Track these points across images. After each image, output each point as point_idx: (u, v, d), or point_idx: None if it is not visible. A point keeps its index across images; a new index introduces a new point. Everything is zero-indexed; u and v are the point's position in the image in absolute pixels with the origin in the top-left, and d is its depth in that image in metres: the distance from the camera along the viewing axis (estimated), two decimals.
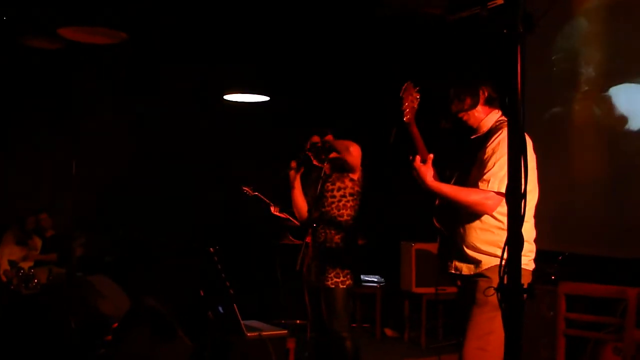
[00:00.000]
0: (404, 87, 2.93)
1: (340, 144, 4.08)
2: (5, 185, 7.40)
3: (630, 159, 5.06)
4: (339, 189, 4.14)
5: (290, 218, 5.33)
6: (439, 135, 3.17)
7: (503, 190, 2.74)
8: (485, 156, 2.87)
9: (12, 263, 6.87)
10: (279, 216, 5.45)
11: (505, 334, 1.87)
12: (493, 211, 2.83)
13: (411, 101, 2.90)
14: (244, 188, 5.38)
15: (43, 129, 7.49)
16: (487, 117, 3.01)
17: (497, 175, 2.77)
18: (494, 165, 2.81)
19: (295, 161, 4.23)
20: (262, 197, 5.35)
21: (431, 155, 2.84)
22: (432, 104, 3.03)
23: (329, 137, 4.17)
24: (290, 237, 5.36)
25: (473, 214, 2.89)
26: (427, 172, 2.83)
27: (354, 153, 4.06)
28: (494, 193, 2.79)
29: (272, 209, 5.38)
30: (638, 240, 4.81)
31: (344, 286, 4.03)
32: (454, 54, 6.01)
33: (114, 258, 7.12)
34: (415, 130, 2.91)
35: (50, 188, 7.40)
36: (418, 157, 2.85)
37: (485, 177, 2.83)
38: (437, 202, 3.08)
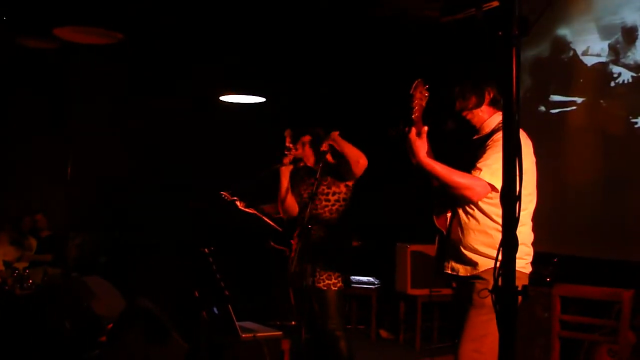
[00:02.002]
0: (414, 85, 2.87)
1: (353, 152, 4.00)
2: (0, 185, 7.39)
3: (625, 162, 5.08)
4: (334, 194, 4.14)
5: (260, 215, 5.28)
6: (442, 135, 3.16)
7: (493, 182, 2.74)
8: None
9: (6, 264, 6.85)
10: (248, 212, 5.38)
11: (499, 335, 1.87)
12: (479, 199, 2.82)
13: (420, 99, 2.85)
14: (222, 193, 5.31)
15: (38, 129, 7.48)
16: (490, 118, 3.01)
17: (490, 167, 2.76)
18: (488, 158, 2.80)
19: (287, 158, 4.22)
20: (237, 200, 5.28)
21: (425, 128, 2.79)
22: (437, 104, 3.02)
23: (336, 135, 4.08)
24: (272, 244, 5.30)
25: (460, 199, 2.87)
26: (422, 147, 2.78)
27: (361, 165, 4.03)
28: (485, 182, 2.78)
29: (238, 204, 5.30)
30: (633, 243, 4.83)
31: (336, 288, 4.05)
32: (457, 55, 6.01)
33: (109, 259, 7.11)
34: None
35: (45, 188, 7.38)
36: (414, 129, 2.78)
37: (478, 165, 2.82)
38: (436, 202, 3.07)
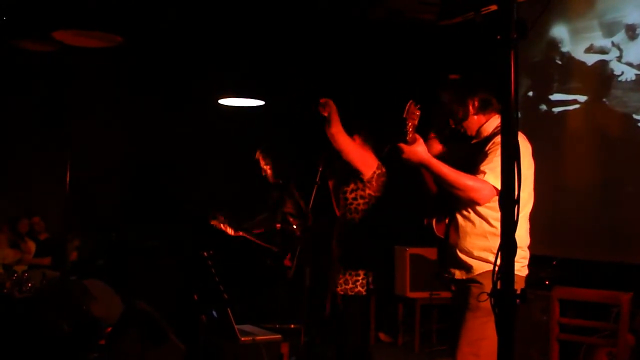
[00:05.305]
0: (406, 108, 2.88)
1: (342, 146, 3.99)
2: None
3: (623, 164, 5.08)
4: (352, 191, 4.09)
5: (249, 237, 5.30)
6: (440, 141, 3.17)
7: (497, 185, 2.72)
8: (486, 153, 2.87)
9: (5, 267, 6.84)
10: (238, 236, 5.38)
11: (498, 338, 1.87)
12: (485, 202, 2.81)
13: (412, 119, 2.86)
14: (213, 222, 5.31)
15: (37, 131, 7.47)
16: (487, 122, 3.00)
17: (494, 170, 2.74)
18: (492, 161, 2.79)
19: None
20: (225, 227, 5.29)
21: (418, 135, 2.82)
22: (429, 113, 3.02)
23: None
24: (270, 263, 5.32)
25: (466, 202, 2.87)
26: (416, 147, 2.79)
27: (354, 159, 4.01)
28: (491, 185, 2.77)
29: (227, 231, 5.30)
30: (631, 245, 4.83)
31: (352, 293, 3.93)
32: (446, 60, 6.01)
33: (108, 261, 7.10)
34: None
35: (43, 191, 7.38)
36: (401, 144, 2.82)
37: (482, 168, 2.80)
38: (435, 208, 3.07)
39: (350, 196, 4.06)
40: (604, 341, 4.07)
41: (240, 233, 5.24)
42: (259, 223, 5.38)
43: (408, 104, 2.89)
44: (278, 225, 5.22)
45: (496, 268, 1.88)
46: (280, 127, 7.14)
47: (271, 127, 7.29)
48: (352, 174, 4.07)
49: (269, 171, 5.07)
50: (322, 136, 4.33)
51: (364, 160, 4.03)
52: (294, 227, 5.10)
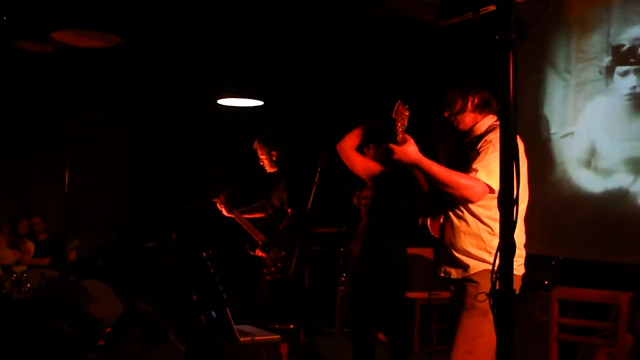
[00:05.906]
0: (395, 108, 2.89)
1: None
2: None
3: (623, 163, 5.07)
4: (365, 197, 4.23)
5: (238, 221, 5.35)
6: (432, 139, 3.17)
7: (490, 183, 2.74)
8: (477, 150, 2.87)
9: (5, 267, 6.84)
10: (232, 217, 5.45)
11: (497, 338, 1.87)
12: (478, 200, 2.81)
13: (402, 119, 2.87)
14: (215, 200, 5.39)
15: (36, 131, 7.48)
16: (480, 121, 3.01)
17: (486, 168, 2.75)
18: (484, 159, 2.80)
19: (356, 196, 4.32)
20: (220, 205, 5.37)
21: (408, 136, 2.82)
22: (425, 109, 3.03)
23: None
24: (249, 251, 5.36)
25: (458, 200, 2.87)
26: (407, 147, 2.80)
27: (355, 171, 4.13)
28: (484, 183, 2.77)
29: (223, 210, 5.39)
30: (631, 245, 4.82)
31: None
32: (445, 59, 6.02)
33: (107, 262, 7.10)
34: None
35: (43, 191, 7.38)
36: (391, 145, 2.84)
37: (474, 166, 2.80)
38: (429, 207, 3.08)
39: (365, 201, 4.17)
40: (603, 341, 4.08)
41: (232, 215, 5.33)
42: (253, 209, 5.47)
43: (396, 105, 2.90)
44: (264, 215, 5.32)
45: (495, 267, 1.88)
46: (280, 127, 7.14)
47: (271, 127, 7.29)
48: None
49: (266, 161, 5.16)
50: (321, 137, 4.37)
51: (369, 172, 4.13)
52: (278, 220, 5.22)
